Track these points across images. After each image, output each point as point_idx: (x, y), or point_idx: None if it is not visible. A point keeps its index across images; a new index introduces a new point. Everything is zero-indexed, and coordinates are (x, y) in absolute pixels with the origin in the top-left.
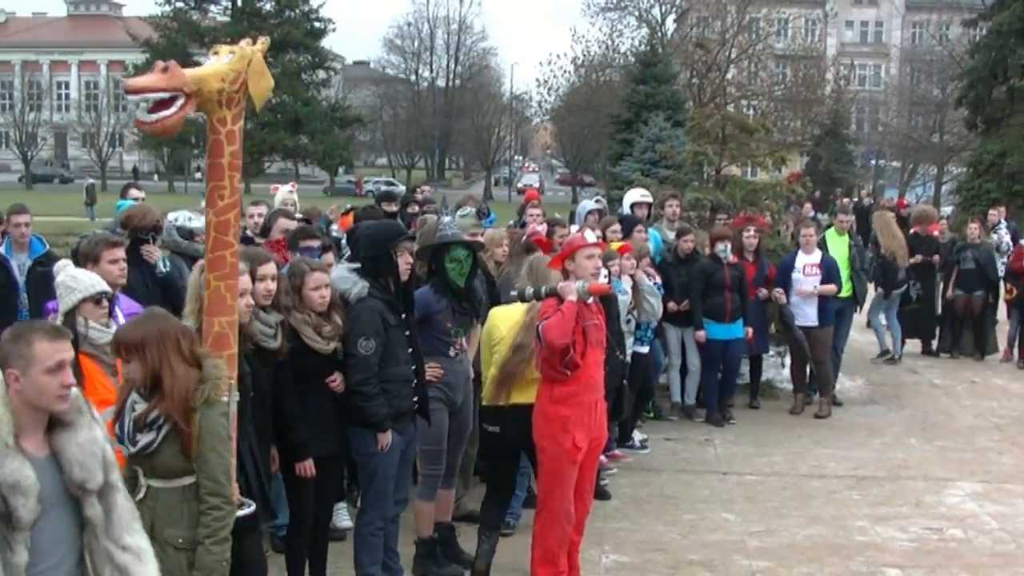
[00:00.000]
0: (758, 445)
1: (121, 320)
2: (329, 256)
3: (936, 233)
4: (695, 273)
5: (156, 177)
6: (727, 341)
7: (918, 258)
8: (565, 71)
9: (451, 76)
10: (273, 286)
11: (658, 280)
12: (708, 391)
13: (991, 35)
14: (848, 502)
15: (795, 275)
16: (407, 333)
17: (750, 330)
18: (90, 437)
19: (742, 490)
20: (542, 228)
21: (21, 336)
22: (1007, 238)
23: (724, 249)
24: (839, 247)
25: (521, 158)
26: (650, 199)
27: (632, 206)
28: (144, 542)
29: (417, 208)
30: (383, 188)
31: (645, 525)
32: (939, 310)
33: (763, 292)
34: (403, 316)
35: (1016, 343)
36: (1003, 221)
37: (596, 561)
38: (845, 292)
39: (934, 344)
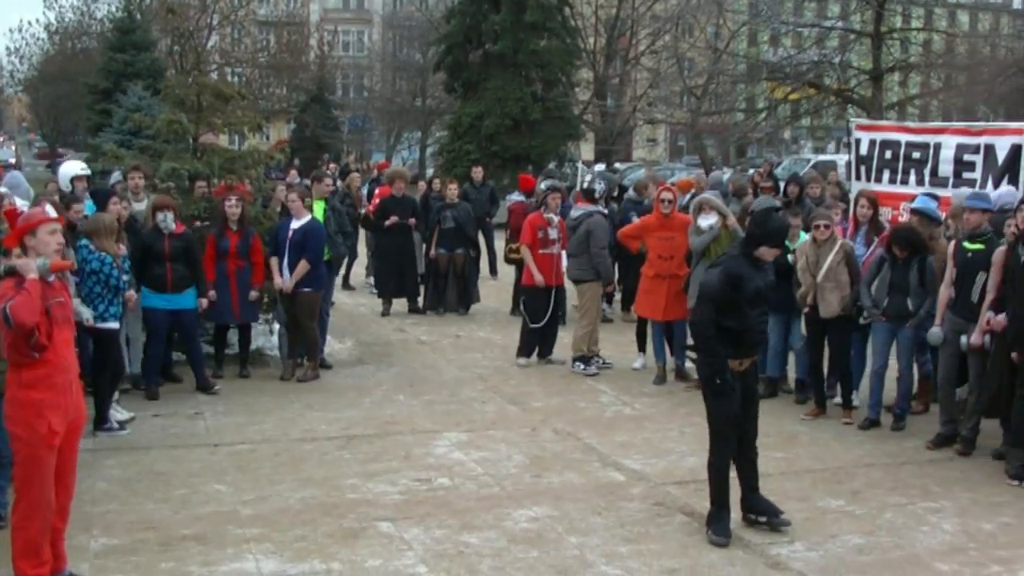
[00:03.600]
0: (250, 414)
1: None
2: None
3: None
4: (136, 244)
5: None
6: (175, 312)
7: (394, 220)
8: (38, 39)
9: None
10: None
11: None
12: (149, 365)
13: (465, 2)
14: (340, 462)
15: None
16: None
17: (204, 301)
18: None
19: (234, 460)
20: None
21: None
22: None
23: (164, 219)
24: (318, 212)
25: None
26: (89, 172)
27: (73, 180)
28: None
29: None
30: None
31: (135, 505)
32: (422, 269)
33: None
34: None
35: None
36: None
37: (84, 547)
38: (326, 256)
39: (420, 302)
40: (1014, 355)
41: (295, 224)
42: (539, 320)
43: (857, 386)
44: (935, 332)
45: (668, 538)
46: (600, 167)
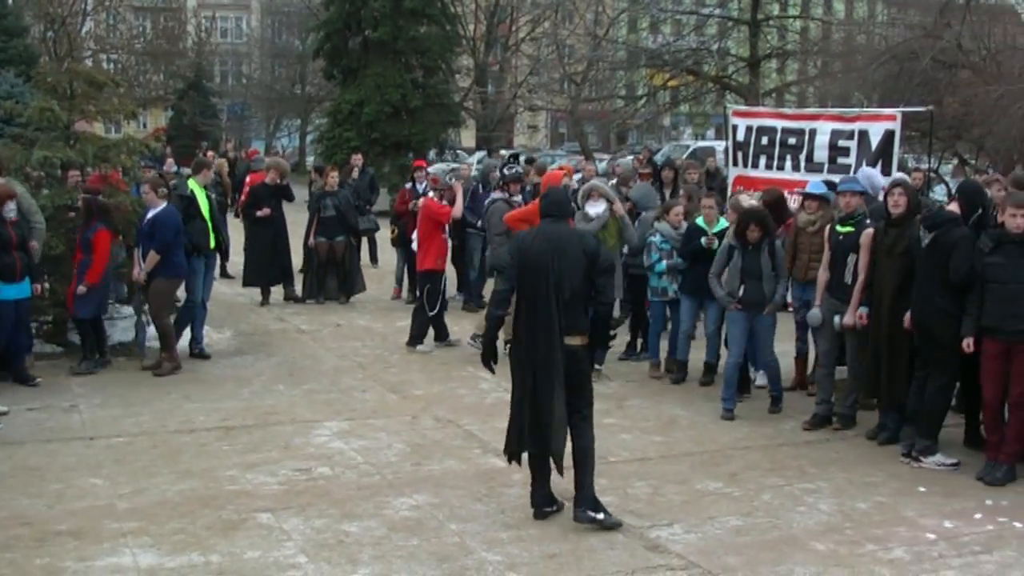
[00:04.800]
0: (126, 406)
1: None
2: None
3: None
4: None
5: None
6: (19, 300)
7: (266, 211)
8: None
9: None
10: None
11: None
12: (15, 354)
13: None
14: (218, 453)
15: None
16: None
17: (38, 287)
18: None
19: (110, 453)
20: None
21: None
22: None
23: (10, 210)
24: (201, 199)
25: None
26: None
27: None
28: None
29: None
30: None
31: (8, 500)
32: (303, 258)
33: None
34: None
35: (402, 280)
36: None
37: None
38: (211, 244)
39: (298, 290)
40: (908, 325)
41: (149, 214)
42: (435, 307)
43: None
44: (814, 314)
45: (549, 523)
46: (481, 154)
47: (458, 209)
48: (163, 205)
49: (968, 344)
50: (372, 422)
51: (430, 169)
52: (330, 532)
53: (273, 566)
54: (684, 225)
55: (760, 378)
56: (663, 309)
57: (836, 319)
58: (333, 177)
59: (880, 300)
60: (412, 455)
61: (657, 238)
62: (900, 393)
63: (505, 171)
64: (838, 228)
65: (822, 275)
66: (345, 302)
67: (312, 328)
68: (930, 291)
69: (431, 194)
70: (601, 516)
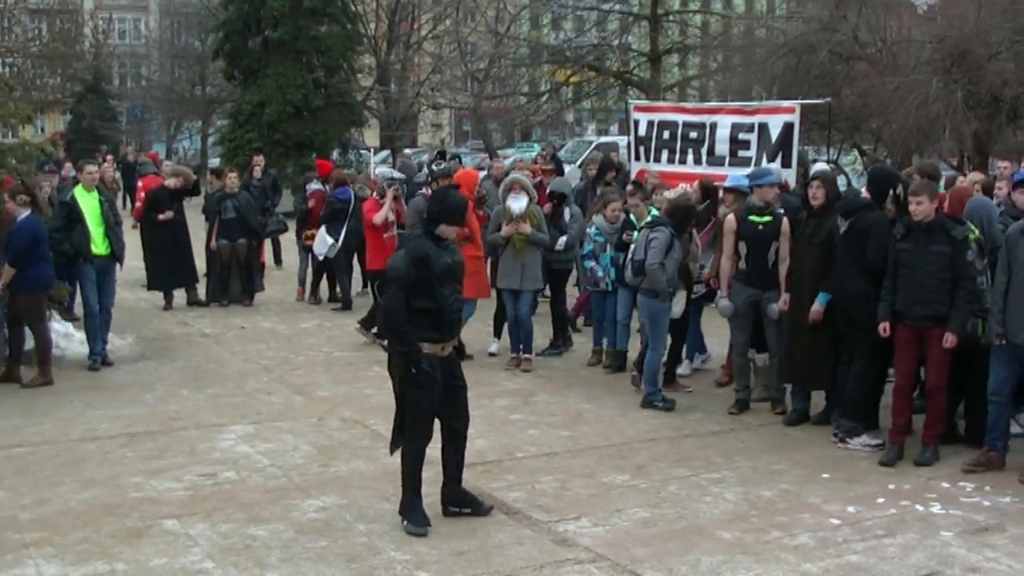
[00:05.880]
0: (27, 415)
1: None
2: None
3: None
4: None
5: None
6: None
7: (168, 215)
8: None
9: None
10: None
11: None
12: None
13: None
14: (122, 460)
15: None
16: None
17: None
18: None
19: (11, 464)
20: None
21: None
22: None
23: None
24: (90, 203)
25: None
26: None
27: None
28: None
29: None
30: None
31: None
32: (206, 261)
33: None
34: None
35: (304, 281)
36: None
37: None
38: (104, 250)
39: (201, 293)
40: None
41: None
42: None
43: (691, 356)
44: (725, 305)
45: (457, 521)
46: (384, 154)
47: (380, 216)
48: (25, 214)
49: (884, 328)
50: (278, 425)
51: (377, 172)
52: (237, 536)
53: (180, 572)
54: (621, 220)
55: (686, 367)
56: (600, 298)
57: (773, 307)
58: (232, 179)
59: (800, 288)
60: (319, 456)
61: (592, 229)
62: (821, 379)
63: (434, 167)
64: (754, 219)
65: (726, 265)
66: (249, 304)
67: (216, 331)
68: (849, 276)
69: (373, 194)
70: (405, 523)
